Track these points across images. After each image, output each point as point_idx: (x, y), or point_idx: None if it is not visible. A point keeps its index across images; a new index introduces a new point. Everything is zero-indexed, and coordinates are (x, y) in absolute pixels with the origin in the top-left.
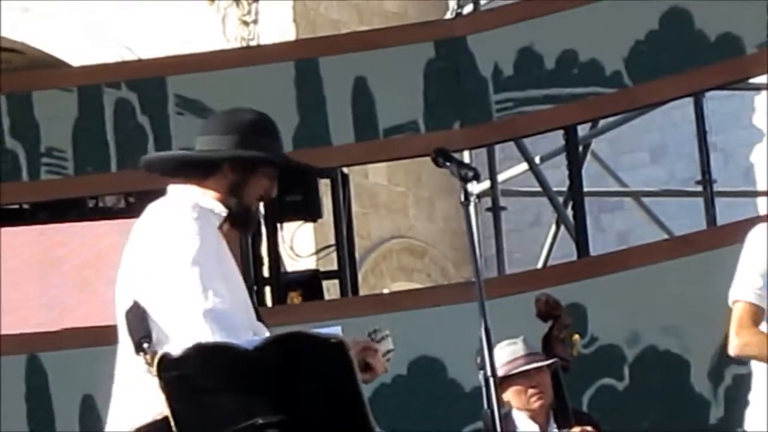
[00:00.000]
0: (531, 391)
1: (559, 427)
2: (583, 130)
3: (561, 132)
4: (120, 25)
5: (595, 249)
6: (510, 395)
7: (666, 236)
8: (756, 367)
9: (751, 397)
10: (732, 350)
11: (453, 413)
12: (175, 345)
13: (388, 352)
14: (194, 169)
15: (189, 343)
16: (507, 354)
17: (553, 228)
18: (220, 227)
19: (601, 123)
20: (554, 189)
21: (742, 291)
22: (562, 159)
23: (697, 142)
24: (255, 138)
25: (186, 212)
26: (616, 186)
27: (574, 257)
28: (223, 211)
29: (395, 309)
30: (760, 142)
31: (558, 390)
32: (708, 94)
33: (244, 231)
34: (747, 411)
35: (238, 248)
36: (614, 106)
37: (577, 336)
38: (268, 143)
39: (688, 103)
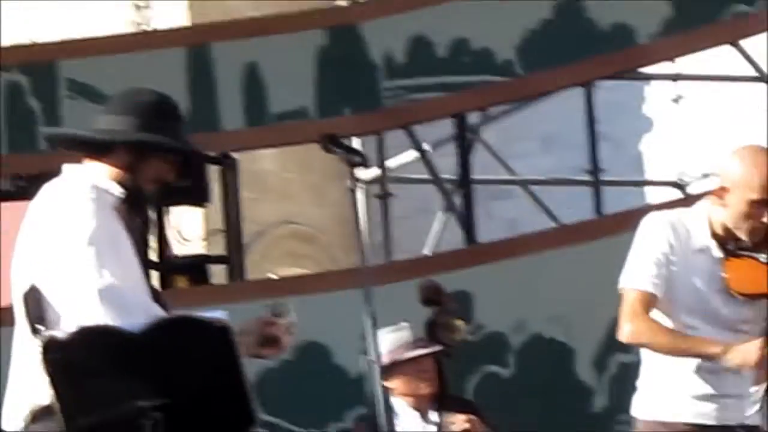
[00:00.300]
0: (416, 378)
1: (440, 414)
2: (473, 118)
3: (451, 120)
4: (11, 8)
5: (484, 236)
6: (396, 382)
7: (554, 225)
8: (645, 352)
9: (639, 383)
10: (623, 337)
11: (338, 398)
12: (65, 327)
13: (291, 325)
14: (92, 149)
15: (75, 326)
16: (393, 341)
17: (442, 215)
18: (119, 208)
19: (492, 111)
20: (444, 176)
21: (634, 278)
22: (451, 147)
23: (587, 131)
24: (154, 120)
25: (82, 192)
26: (506, 174)
27: (463, 245)
28: (119, 192)
29: (282, 294)
30: (650, 131)
31: (440, 376)
32: (598, 84)
33: (138, 213)
34: (634, 397)
35: (138, 230)
36: (505, 94)
37: (461, 322)
38: (170, 126)
39: (579, 92)
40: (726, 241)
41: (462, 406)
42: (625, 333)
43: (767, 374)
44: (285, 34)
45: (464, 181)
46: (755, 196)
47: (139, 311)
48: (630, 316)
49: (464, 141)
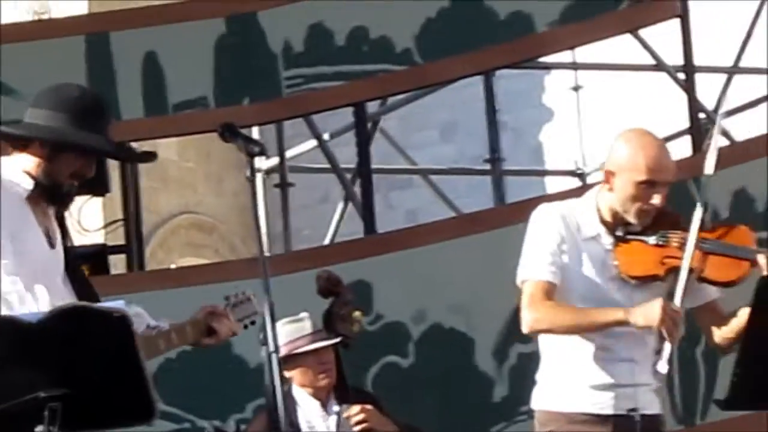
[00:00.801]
0: (316, 369)
1: (339, 404)
2: (372, 107)
3: (350, 109)
4: None
5: (384, 226)
6: (295, 373)
7: (454, 214)
8: (544, 345)
9: (539, 376)
10: (525, 327)
11: (238, 389)
12: None
13: (249, 315)
14: (13, 142)
15: None
16: (292, 331)
17: (341, 205)
18: (33, 200)
19: (391, 100)
20: (343, 166)
21: (532, 269)
22: (351, 136)
23: (487, 121)
24: (78, 116)
25: None
26: (406, 164)
27: (362, 234)
28: (28, 185)
29: (182, 284)
30: (550, 121)
31: (338, 367)
32: (498, 73)
33: (54, 205)
34: (534, 390)
35: (52, 221)
36: (404, 83)
37: (358, 312)
38: (92, 122)
39: (479, 81)
40: (615, 226)
41: (360, 397)
42: (527, 322)
43: (671, 336)
44: (184, 23)
45: (364, 171)
46: (641, 177)
47: (31, 302)
48: (530, 306)
49: (363, 130)
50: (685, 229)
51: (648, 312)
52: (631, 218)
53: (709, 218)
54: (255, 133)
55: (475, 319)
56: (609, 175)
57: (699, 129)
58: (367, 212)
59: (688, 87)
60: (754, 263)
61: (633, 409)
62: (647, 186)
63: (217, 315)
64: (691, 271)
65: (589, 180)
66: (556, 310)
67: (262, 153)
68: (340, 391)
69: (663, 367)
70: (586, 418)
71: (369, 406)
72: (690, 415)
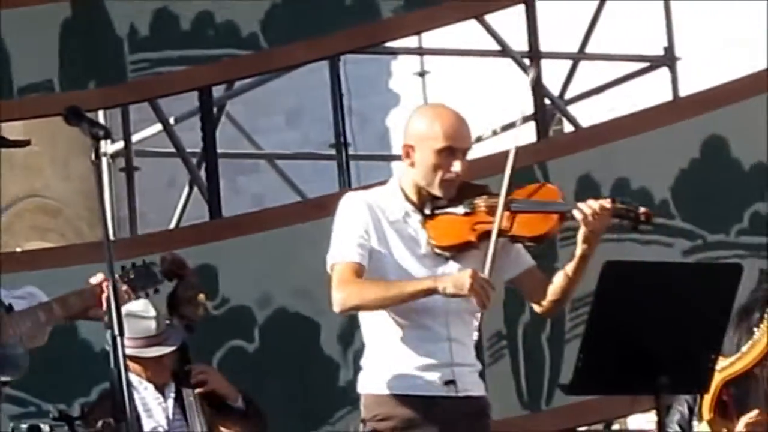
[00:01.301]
0: (155, 369)
1: (179, 386)
2: (218, 91)
3: (196, 93)
4: None
5: (230, 211)
6: (132, 363)
7: (300, 199)
8: (366, 330)
9: (363, 361)
10: (336, 306)
11: (83, 373)
12: None
13: (150, 284)
14: None
15: None
16: (136, 329)
17: (187, 189)
18: None
19: (237, 85)
20: (189, 150)
21: (339, 252)
22: (196, 120)
23: (332, 106)
24: None
25: None
26: (252, 148)
27: (208, 219)
28: None
29: (28, 268)
30: (396, 106)
31: (183, 352)
32: (344, 58)
33: None
34: (360, 375)
35: None
36: (250, 68)
37: (203, 296)
38: None
39: (324, 66)
40: (422, 204)
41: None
42: (337, 301)
43: (480, 302)
44: (30, 6)
45: (209, 155)
46: (440, 144)
47: None
48: (339, 286)
49: (209, 115)
50: (491, 195)
51: (457, 280)
52: (435, 190)
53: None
54: (101, 117)
55: (321, 303)
56: (409, 150)
57: (544, 115)
58: (212, 196)
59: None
60: (563, 216)
61: (451, 382)
62: (447, 153)
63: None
64: (502, 232)
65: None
66: (363, 284)
67: (107, 137)
68: (184, 376)
69: (474, 335)
70: (412, 400)
71: (210, 368)
72: (535, 400)
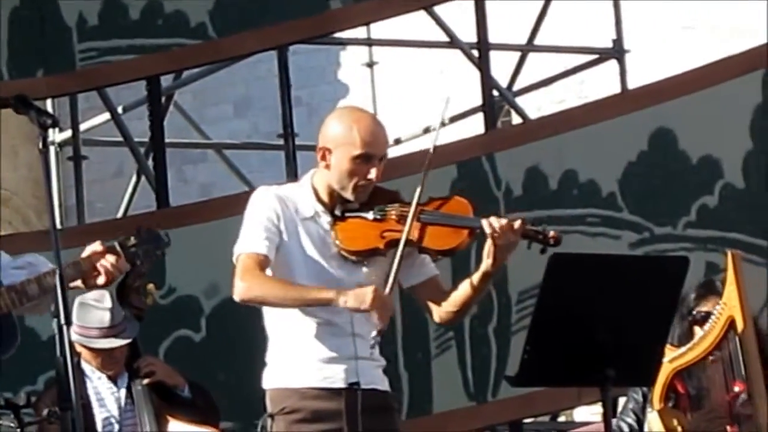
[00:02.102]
0: (106, 361)
1: (131, 376)
2: (166, 81)
3: (144, 83)
4: None
5: (177, 200)
6: (84, 351)
7: (247, 189)
8: (270, 324)
9: (268, 356)
10: (237, 295)
11: (29, 361)
12: None
13: (156, 249)
14: None
15: None
16: (90, 318)
17: (135, 178)
18: None
19: (185, 75)
20: (136, 139)
21: (246, 243)
22: (144, 110)
23: (280, 96)
24: None
25: None
26: (200, 138)
27: (155, 208)
28: None
29: None
30: (345, 97)
31: (134, 342)
32: (293, 49)
33: None
34: (265, 370)
35: None
36: (198, 57)
37: (152, 285)
38: None
39: (273, 56)
40: (333, 205)
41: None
42: (238, 290)
43: (380, 318)
44: None
45: (157, 145)
46: (357, 151)
47: None
48: (242, 275)
49: (157, 104)
50: (403, 203)
51: (359, 296)
52: (348, 195)
53: (501, 194)
54: (49, 105)
55: None
56: (325, 152)
57: (492, 106)
58: (160, 186)
59: (482, 64)
60: (473, 231)
61: (355, 383)
62: (363, 160)
63: (102, 253)
64: (410, 242)
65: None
66: (267, 279)
67: (55, 125)
68: (135, 364)
69: (374, 350)
70: (317, 393)
71: (157, 359)
72: (481, 391)
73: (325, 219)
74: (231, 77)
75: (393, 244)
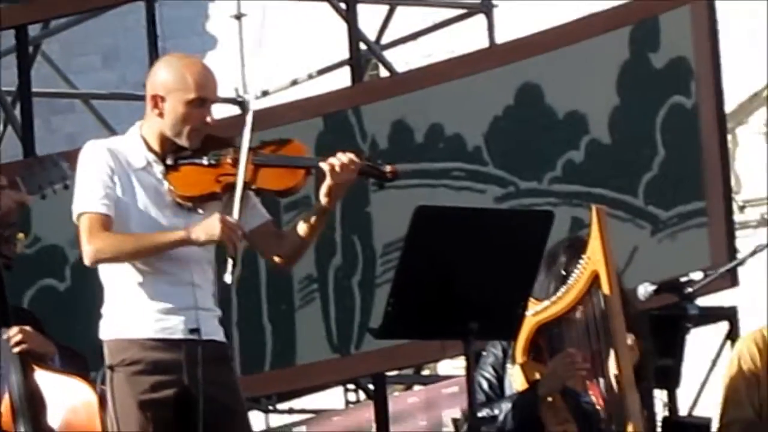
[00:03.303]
0: None
1: None
2: (34, 30)
3: (12, 32)
4: None
5: (44, 150)
6: None
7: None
8: (105, 277)
9: (104, 308)
10: (88, 259)
11: None
12: None
13: (54, 180)
14: None
15: None
16: None
17: (1, 128)
18: None
19: (53, 24)
20: (4, 89)
21: (86, 202)
22: (12, 59)
23: (148, 47)
24: None
25: None
26: (67, 88)
27: (21, 158)
28: None
29: None
30: (213, 49)
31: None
32: (162, 0)
33: None
34: (101, 322)
35: None
36: (66, 7)
37: (22, 234)
38: None
39: (141, 7)
40: (165, 154)
41: (20, 317)
42: (89, 253)
43: (233, 245)
44: None
45: (24, 95)
46: (192, 95)
47: None
48: (89, 238)
49: (25, 54)
50: (237, 148)
51: (207, 227)
52: (183, 141)
53: (367, 147)
54: None
55: None
56: (157, 100)
57: (359, 60)
58: (26, 135)
59: (349, 17)
60: (309, 172)
61: (195, 330)
62: (197, 104)
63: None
64: (246, 184)
65: (250, 107)
66: (117, 237)
67: None
68: (2, 313)
69: (228, 278)
70: (157, 344)
71: (27, 328)
72: (345, 344)
73: (158, 168)
74: (99, 28)
75: (229, 187)
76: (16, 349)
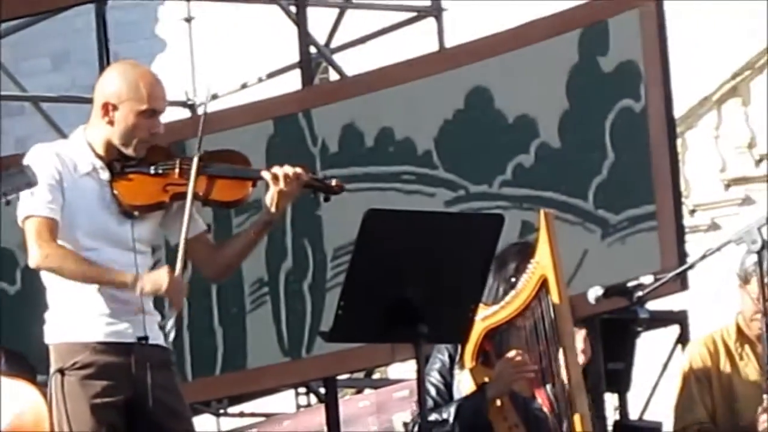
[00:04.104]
0: None
1: None
2: None
3: None
4: None
5: None
6: None
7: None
8: (50, 281)
9: (48, 313)
10: (33, 262)
11: None
12: None
13: (17, 187)
14: None
15: None
16: None
17: None
18: None
19: (2, 27)
20: None
21: (34, 206)
22: None
23: (98, 50)
24: None
25: None
26: (17, 91)
27: None
28: None
29: None
30: (162, 51)
31: None
32: (111, 3)
33: None
34: (46, 326)
35: None
36: (15, 10)
37: None
38: None
39: (91, 10)
40: (110, 160)
41: None
42: (36, 257)
43: (177, 303)
44: None
45: None
46: (144, 106)
47: None
48: (38, 241)
49: None
50: (182, 158)
51: (155, 281)
52: (130, 150)
53: (318, 151)
54: None
55: None
56: (108, 108)
57: (309, 63)
58: None
59: (300, 20)
60: (255, 183)
61: (144, 338)
62: (149, 115)
63: None
64: (197, 195)
65: (199, 111)
66: (66, 254)
67: None
68: None
69: (171, 335)
70: (106, 348)
71: None
72: (295, 347)
73: (104, 175)
74: (49, 30)
75: (177, 197)
76: None
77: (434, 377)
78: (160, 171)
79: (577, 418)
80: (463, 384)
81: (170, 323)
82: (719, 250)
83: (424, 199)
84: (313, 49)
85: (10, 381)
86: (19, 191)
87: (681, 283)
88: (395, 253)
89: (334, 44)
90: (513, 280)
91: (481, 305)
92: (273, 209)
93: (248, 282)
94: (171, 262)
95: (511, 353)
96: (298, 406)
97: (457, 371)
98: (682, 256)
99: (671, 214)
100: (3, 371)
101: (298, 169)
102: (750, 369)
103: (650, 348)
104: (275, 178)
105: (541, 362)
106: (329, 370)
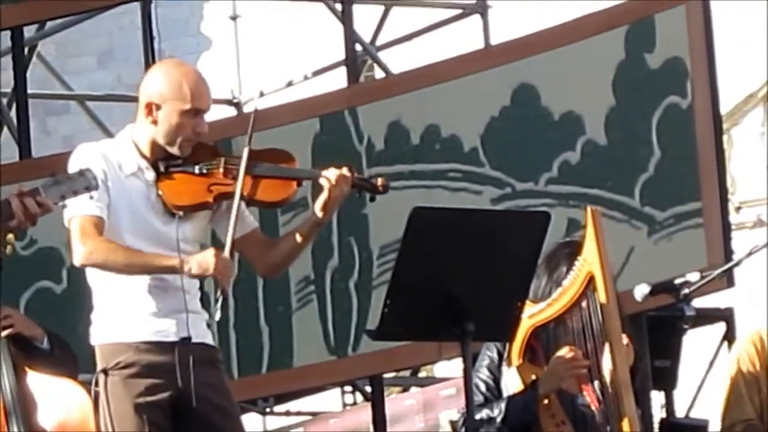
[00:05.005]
0: None
1: None
2: (29, 32)
3: (7, 33)
4: None
5: (40, 152)
6: None
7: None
8: (94, 282)
9: (94, 314)
10: (78, 259)
11: None
12: None
13: (79, 189)
14: None
15: None
16: None
17: None
18: None
19: (49, 25)
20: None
21: (79, 206)
22: (7, 60)
23: (143, 48)
24: None
25: None
26: (63, 89)
27: (18, 159)
28: None
29: None
30: (208, 49)
31: None
32: (157, 1)
33: None
34: (91, 327)
35: None
36: (62, 8)
37: (11, 236)
38: None
39: (137, 8)
40: (157, 160)
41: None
42: (81, 254)
43: (224, 283)
44: None
45: (20, 96)
46: (187, 106)
47: None
48: (82, 238)
49: (21, 55)
50: (227, 157)
51: (202, 261)
52: (175, 150)
53: (364, 149)
54: None
55: None
56: (152, 108)
57: (355, 60)
58: (22, 137)
59: (345, 18)
60: (300, 183)
61: (187, 337)
62: (192, 114)
63: (17, 195)
64: (242, 196)
65: (245, 109)
66: (111, 245)
67: None
68: None
69: (217, 315)
70: (150, 347)
71: (14, 310)
72: (342, 345)
73: (149, 175)
74: (95, 28)
75: (221, 197)
76: (4, 333)
77: (484, 374)
78: (205, 170)
79: (625, 422)
80: (510, 381)
81: (217, 305)
82: (765, 247)
83: (470, 197)
84: (358, 47)
85: (58, 380)
86: (78, 195)
87: (727, 280)
88: (441, 251)
89: (379, 42)
90: (560, 278)
91: (527, 302)
92: (324, 212)
93: (294, 280)
94: None
95: (564, 350)
96: (344, 405)
97: (504, 368)
98: (728, 253)
99: (717, 211)
100: (46, 353)
101: (345, 171)
102: None
103: (696, 345)
104: (329, 180)
105: (588, 359)
106: (375, 369)
